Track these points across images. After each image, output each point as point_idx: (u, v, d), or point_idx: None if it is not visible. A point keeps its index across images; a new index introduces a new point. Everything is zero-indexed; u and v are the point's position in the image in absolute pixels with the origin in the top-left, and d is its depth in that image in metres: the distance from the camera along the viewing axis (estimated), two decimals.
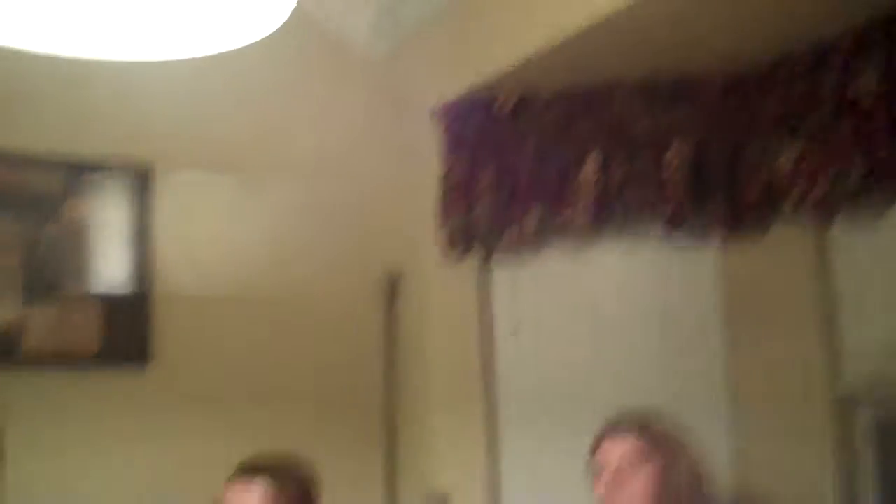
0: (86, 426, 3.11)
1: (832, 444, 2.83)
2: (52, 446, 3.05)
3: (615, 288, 3.32)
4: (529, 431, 3.35)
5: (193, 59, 1.94)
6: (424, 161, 3.53)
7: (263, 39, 1.88)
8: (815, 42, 2.83)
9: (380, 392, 3.49)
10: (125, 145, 3.21)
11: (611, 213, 3.16)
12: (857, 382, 2.86)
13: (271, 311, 3.39)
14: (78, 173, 3.17)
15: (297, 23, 2.00)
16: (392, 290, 3.55)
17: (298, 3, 1.83)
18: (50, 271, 3.13)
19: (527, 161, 3.29)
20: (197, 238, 3.30)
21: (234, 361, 3.32)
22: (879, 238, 2.85)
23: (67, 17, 1.76)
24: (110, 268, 3.20)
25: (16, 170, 3.11)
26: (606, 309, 3.31)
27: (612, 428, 2.36)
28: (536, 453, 3.34)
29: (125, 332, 3.17)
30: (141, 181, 3.23)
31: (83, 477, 3.07)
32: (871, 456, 2.83)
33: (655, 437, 2.32)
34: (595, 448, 2.35)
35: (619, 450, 2.31)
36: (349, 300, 3.51)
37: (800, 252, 2.95)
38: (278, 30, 1.86)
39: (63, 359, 3.10)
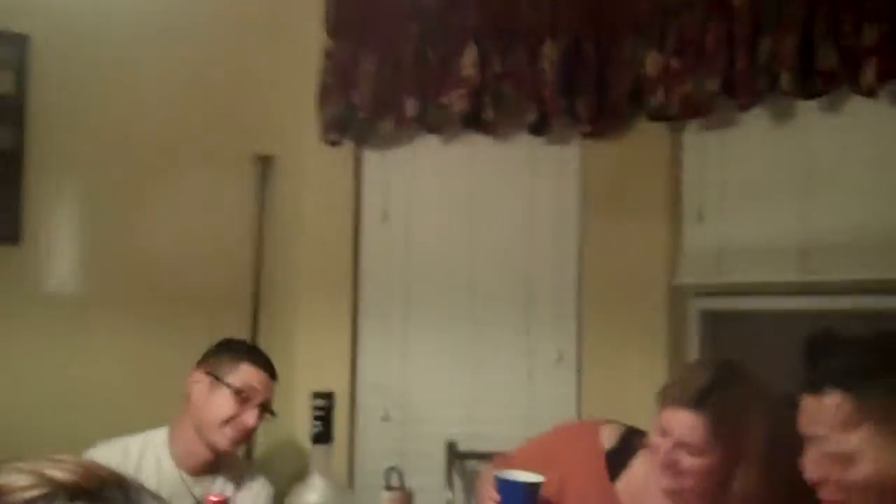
0: None
1: (666, 329, 3.07)
2: None
3: (484, 178, 3.43)
4: (390, 318, 3.47)
5: None
6: (304, 42, 3.50)
7: None
8: None
9: (249, 280, 3.46)
10: (3, 18, 3.11)
11: (486, 104, 3.22)
12: (691, 277, 3.09)
13: (144, 185, 3.30)
14: None
15: None
16: (264, 173, 3.49)
17: None
18: None
19: (409, 49, 3.31)
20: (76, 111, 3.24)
21: (101, 245, 3.26)
22: (727, 146, 3.03)
23: None
24: None
25: None
26: (475, 198, 3.43)
27: (674, 398, 2.03)
28: (396, 341, 3.46)
29: None
30: (20, 49, 3.14)
31: None
32: (696, 341, 3.11)
33: (718, 420, 1.97)
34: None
35: (679, 423, 2.00)
36: (220, 181, 3.44)
37: (655, 152, 3.11)
38: None
39: None
